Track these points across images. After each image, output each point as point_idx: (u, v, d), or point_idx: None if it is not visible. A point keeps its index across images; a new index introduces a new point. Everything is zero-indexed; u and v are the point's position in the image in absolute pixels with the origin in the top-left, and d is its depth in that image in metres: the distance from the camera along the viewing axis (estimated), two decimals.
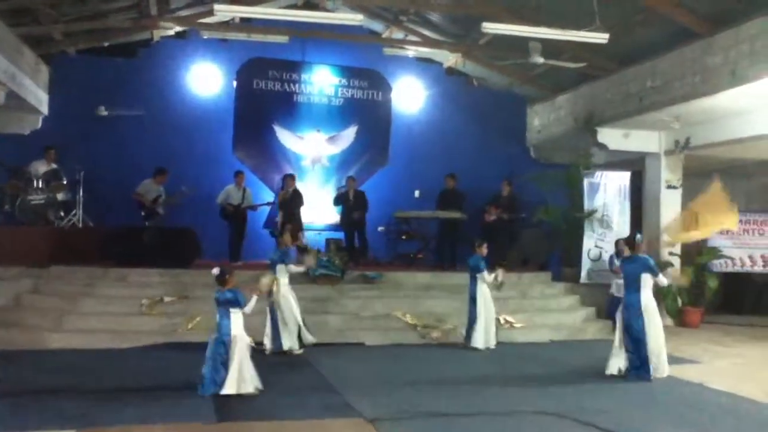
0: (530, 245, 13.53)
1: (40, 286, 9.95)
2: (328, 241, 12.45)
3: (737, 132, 11.00)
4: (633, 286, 7.75)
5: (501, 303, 10.55)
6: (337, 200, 13.23)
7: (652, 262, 7.86)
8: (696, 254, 12.91)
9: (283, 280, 8.48)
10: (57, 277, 10.08)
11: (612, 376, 7.62)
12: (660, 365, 7.70)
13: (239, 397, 6.26)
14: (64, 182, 11.72)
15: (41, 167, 11.63)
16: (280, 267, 8.55)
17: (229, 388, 6.24)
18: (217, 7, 9.99)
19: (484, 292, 9.24)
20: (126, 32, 13.07)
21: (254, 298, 6.71)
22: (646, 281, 7.72)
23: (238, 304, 6.48)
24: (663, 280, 8.06)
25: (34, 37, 11.59)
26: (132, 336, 8.76)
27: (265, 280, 7.50)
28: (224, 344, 6.39)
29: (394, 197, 13.19)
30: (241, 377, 6.32)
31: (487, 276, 9.22)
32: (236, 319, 6.48)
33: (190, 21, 13.22)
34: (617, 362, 7.68)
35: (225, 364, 6.33)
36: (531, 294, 11.44)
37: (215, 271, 6.65)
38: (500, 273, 9.30)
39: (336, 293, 10.37)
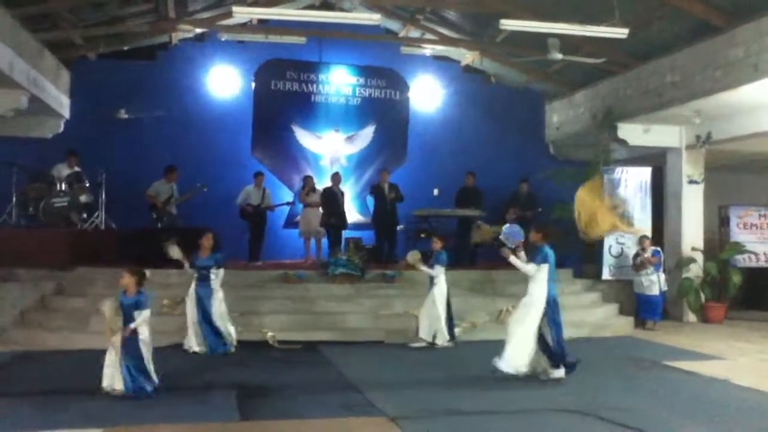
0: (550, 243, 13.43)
1: (64, 287, 10.07)
2: (347, 240, 12.47)
3: (760, 126, 10.84)
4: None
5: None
6: (372, 192, 12.98)
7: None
8: (719, 250, 12.79)
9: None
10: (80, 278, 10.19)
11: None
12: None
13: (259, 396, 6.30)
14: (87, 185, 11.86)
15: (64, 170, 11.78)
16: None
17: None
18: (235, 8, 10.06)
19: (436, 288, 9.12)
20: (145, 36, 13.19)
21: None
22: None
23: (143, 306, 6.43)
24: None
25: (55, 42, 11.74)
26: (154, 336, 8.74)
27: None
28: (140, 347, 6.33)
29: (413, 196, 13.15)
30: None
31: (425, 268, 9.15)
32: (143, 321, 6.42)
33: (208, 23, 13.32)
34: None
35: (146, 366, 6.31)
36: None
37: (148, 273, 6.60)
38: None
39: (355, 292, 10.39)
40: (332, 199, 12.18)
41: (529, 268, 7.29)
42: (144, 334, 6.44)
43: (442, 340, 9.01)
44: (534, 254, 7.42)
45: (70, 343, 8.61)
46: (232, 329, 8.52)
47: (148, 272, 6.56)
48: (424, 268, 9.21)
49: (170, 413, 5.75)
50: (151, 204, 12.00)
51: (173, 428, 5.40)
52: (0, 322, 9.25)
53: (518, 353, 7.16)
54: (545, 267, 7.23)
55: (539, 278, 7.23)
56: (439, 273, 9.13)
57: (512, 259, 7.45)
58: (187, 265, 8.48)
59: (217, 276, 8.49)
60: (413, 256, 9.36)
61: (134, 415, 5.66)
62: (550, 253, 7.32)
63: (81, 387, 6.34)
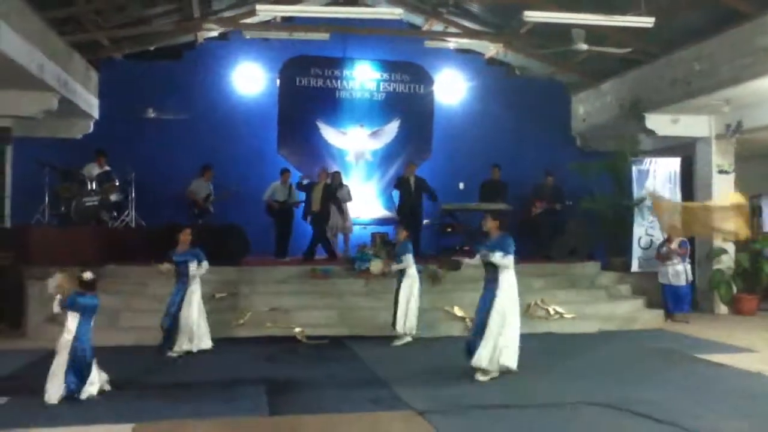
0: (577, 235, 13.34)
1: (98, 284, 10.21)
2: (373, 235, 12.50)
3: None
4: None
5: (550, 294, 10.50)
6: (397, 185, 12.90)
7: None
8: (751, 240, 12.58)
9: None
10: (111, 276, 10.34)
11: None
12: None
13: (288, 391, 6.37)
14: (117, 183, 12.04)
15: (94, 170, 11.97)
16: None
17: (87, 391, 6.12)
18: (259, 7, 10.14)
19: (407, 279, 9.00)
20: (170, 35, 13.33)
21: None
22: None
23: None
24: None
25: (83, 43, 11.91)
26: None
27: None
28: (86, 351, 6.22)
29: (438, 190, 13.13)
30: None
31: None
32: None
33: (232, 22, 13.41)
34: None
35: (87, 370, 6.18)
36: (581, 284, 11.30)
37: (88, 275, 6.48)
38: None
39: (381, 287, 10.41)
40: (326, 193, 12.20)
41: (507, 261, 6.92)
42: None
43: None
44: (501, 243, 6.99)
45: (102, 339, 8.64)
46: (205, 327, 8.43)
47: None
48: (394, 266, 9.11)
49: (199, 409, 5.83)
50: (192, 201, 12.19)
51: (203, 424, 5.47)
52: (33, 320, 9.43)
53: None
54: (512, 257, 7.00)
55: (510, 268, 7.00)
56: (410, 264, 8.98)
57: (475, 259, 7.22)
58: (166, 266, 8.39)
59: (197, 270, 8.35)
60: (375, 266, 9.27)
61: (163, 411, 5.75)
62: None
63: (111, 383, 6.43)
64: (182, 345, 8.16)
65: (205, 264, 8.39)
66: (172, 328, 8.14)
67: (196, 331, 8.25)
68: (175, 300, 8.21)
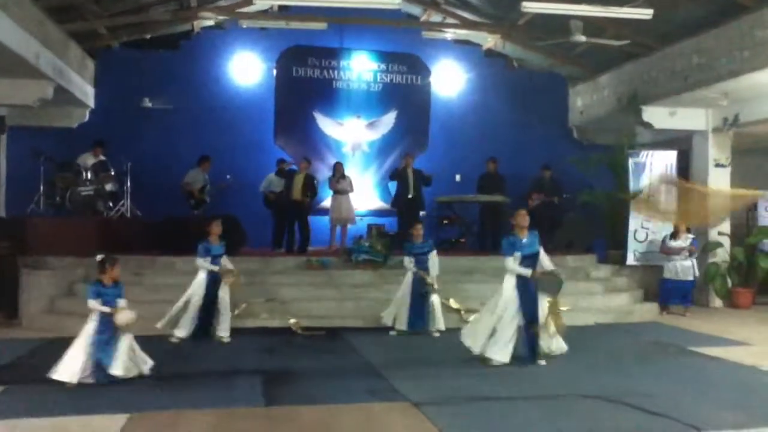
0: (574, 228, 13.37)
1: (91, 275, 10.12)
2: (369, 226, 12.51)
3: None
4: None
5: None
6: (394, 177, 12.85)
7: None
8: (747, 234, 12.61)
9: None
10: None
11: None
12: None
13: (284, 382, 6.37)
14: (112, 173, 12.00)
15: (89, 159, 11.93)
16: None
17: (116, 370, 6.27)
18: None
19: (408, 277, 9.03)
20: (167, 24, 13.28)
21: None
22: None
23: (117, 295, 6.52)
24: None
25: (80, 32, 11.85)
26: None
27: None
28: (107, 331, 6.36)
29: (435, 182, 13.14)
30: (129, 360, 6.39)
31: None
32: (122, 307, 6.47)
33: (229, 11, 13.35)
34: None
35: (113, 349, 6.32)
36: (576, 277, 11.31)
37: (98, 257, 6.63)
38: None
39: (378, 278, 10.42)
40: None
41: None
42: None
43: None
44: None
45: None
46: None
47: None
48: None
49: (196, 399, 5.83)
50: (188, 191, 12.16)
51: (199, 414, 5.46)
52: (30, 310, 9.43)
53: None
54: None
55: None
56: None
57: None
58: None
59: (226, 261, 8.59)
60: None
61: (160, 401, 5.75)
62: None
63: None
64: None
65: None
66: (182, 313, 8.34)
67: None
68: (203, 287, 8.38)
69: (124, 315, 6.42)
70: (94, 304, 6.45)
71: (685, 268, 11.08)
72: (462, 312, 9.59)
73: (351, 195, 12.73)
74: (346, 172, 12.98)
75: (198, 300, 8.38)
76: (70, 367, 6.16)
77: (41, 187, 11.52)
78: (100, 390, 6.05)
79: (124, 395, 5.89)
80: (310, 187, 12.17)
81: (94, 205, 11.75)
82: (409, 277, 9.02)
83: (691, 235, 11.25)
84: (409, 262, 9.07)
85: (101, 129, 12.52)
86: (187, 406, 5.64)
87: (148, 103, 13.22)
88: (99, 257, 6.66)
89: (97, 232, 10.93)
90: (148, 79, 13.30)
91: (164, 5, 12.57)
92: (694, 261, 11.22)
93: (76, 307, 9.46)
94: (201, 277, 8.44)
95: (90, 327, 6.38)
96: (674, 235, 11.26)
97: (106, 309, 6.40)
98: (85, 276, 10.13)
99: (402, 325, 8.93)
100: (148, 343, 8.19)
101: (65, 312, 9.34)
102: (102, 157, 12.05)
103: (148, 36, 13.36)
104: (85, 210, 11.58)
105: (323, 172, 13.45)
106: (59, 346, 7.97)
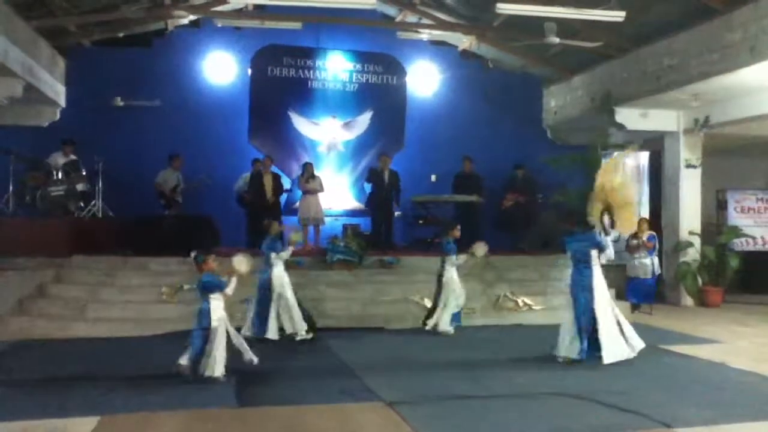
0: (549, 228, 13.44)
1: (62, 275, 10.07)
2: (345, 226, 12.47)
3: (758, 109, 10.84)
4: (582, 263, 7.63)
5: (520, 286, 10.58)
6: (370, 178, 12.84)
7: (599, 237, 7.70)
8: (717, 234, 12.79)
9: (277, 268, 8.59)
10: (78, 266, 10.20)
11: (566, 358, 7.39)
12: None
13: (257, 383, 6.35)
14: (83, 173, 11.83)
15: (60, 159, 11.74)
16: (272, 255, 8.62)
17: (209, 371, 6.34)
18: None
19: (452, 276, 9.10)
20: (140, 22, 13.08)
21: (234, 280, 6.70)
22: (595, 258, 7.61)
23: (217, 288, 6.50)
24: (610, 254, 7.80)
25: (50, 29, 11.64)
26: (153, 324, 8.85)
27: (238, 258, 7.09)
28: (203, 331, 6.43)
29: (410, 182, 13.13)
30: (215, 361, 6.39)
31: (456, 259, 9.14)
32: (216, 305, 6.51)
33: (203, 9, 13.21)
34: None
35: (205, 350, 6.40)
36: (551, 276, 11.39)
37: (192, 254, 6.71)
38: (479, 247, 9.37)
39: (353, 278, 10.40)
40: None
41: None
42: None
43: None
44: (594, 240, 7.75)
45: (69, 331, 8.63)
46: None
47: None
48: (455, 260, 9.20)
49: (169, 400, 5.76)
50: (159, 192, 12.04)
51: (172, 415, 5.41)
52: None
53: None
54: None
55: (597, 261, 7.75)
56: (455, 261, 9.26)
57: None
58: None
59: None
60: (481, 249, 9.45)
61: (132, 403, 5.67)
62: None
63: (79, 375, 6.34)
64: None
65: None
66: None
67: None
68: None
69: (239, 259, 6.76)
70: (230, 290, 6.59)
71: (644, 265, 11.17)
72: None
73: (321, 195, 12.67)
74: (322, 172, 12.91)
75: (292, 296, 8.56)
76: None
77: (11, 187, 11.31)
78: (69, 392, 5.96)
79: (94, 396, 5.82)
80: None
81: (65, 205, 11.56)
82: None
83: (649, 232, 11.35)
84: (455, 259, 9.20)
85: (73, 128, 12.32)
86: (159, 407, 5.58)
87: (120, 101, 13.04)
88: (193, 254, 6.72)
89: (68, 232, 10.79)
90: (120, 78, 13.12)
91: (137, 3, 12.40)
92: (655, 259, 11.30)
93: (47, 308, 9.36)
94: (279, 273, 8.62)
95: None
96: (635, 234, 11.38)
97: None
98: (56, 277, 10.01)
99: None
100: (121, 343, 8.12)
101: (35, 314, 9.20)
102: (73, 157, 11.87)
103: (121, 34, 13.17)
104: (56, 210, 11.39)
105: (298, 172, 13.38)
106: (29, 347, 7.88)
